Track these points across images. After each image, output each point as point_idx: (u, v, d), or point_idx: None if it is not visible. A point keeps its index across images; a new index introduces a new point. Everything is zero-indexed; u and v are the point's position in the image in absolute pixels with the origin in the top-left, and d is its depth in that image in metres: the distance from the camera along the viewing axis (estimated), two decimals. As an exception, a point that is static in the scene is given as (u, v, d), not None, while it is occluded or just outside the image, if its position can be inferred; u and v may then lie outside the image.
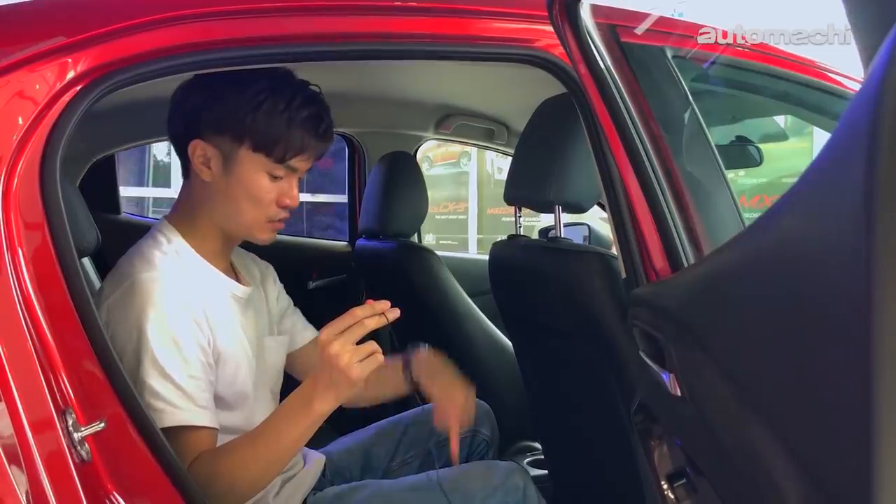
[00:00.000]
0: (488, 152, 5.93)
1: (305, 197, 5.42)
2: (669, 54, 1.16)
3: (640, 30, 1.12)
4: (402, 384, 1.30)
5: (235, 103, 1.06)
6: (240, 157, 1.08)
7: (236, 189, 1.09)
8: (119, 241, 1.21)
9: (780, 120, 1.99)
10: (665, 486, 0.86)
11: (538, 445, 1.97)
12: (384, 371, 1.24)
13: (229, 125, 1.07)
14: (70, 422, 0.81)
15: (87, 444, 0.82)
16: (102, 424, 0.84)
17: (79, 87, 0.90)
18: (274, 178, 1.10)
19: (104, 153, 2.29)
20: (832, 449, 0.48)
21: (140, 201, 5.23)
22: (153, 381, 0.99)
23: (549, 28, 1.01)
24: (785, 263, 0.52)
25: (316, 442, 1.25)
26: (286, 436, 0.98)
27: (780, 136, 1.99)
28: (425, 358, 1.30)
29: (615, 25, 1.06)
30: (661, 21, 1.18)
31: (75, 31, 0.92)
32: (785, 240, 0.52)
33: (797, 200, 0.50)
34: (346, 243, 2.65)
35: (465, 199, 6.67)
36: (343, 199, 2.77)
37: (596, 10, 1.01)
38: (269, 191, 1.10)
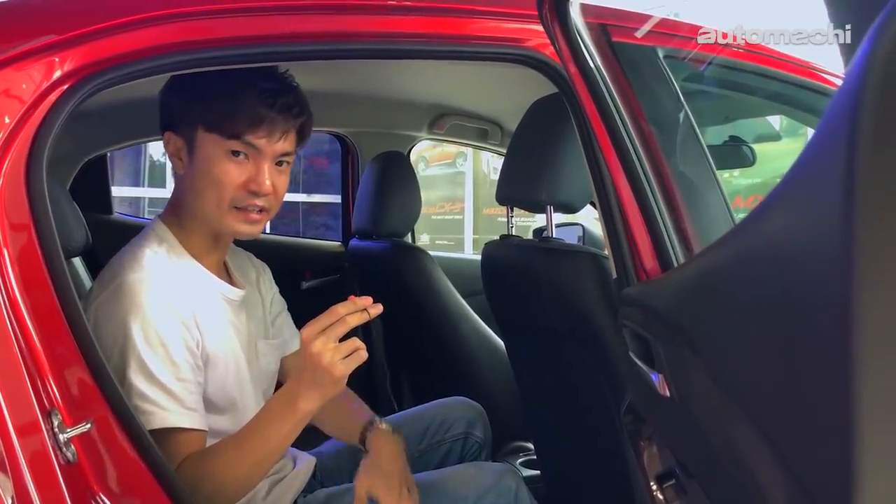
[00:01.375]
0: (484, 152, 5.93)
1: (301, 197, 5.43)
2: (661, 54, 1.15)
3: (640, 33, 1.12)
4: (357, 439, 1.24)
5: (193, 90, 1.07)
6: (199, 141, 1.07)
7: (200, 174, 1.07)
8: (111, 241, 1.21)
9: (775, 120, 1.99)
10: (654, 487, 0.86)
11: (531, 446, 1.97)
12: (351, 418, 1.26)
13: (188, 110, 1.07)
14: (56, 423, 0.80)
15: (72, 446, 0.81)
16: (89, 425, 0.83)
17: (66, 86, 0.89)
18: (235, 157, 1.06)
19: (96, 153, 2.27)
20: (816, 451, 0.47)
21: (135, 202, 5.22)
22: (140, 382, 0.98)
23: (540, 27, 1.01)
24: (771, 262, 0.51)
25: (306, 443, 1.25)
26: (272, 436, 0.98)
27: (774, 137, 1.99)
28: (383, 436, 1.21)
29: (606, 25, 1.06)
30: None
31: (63, 29, 0.91)
32: (771, 238, 0.51)
33: (782, 196, 0.50)
34: (339, 243, 2.64)
35: (461, 200, 6.66)
36: (339, 199, 2.76)
37: (586, 9, 1.00)
38: (228, 172, 1.06)
